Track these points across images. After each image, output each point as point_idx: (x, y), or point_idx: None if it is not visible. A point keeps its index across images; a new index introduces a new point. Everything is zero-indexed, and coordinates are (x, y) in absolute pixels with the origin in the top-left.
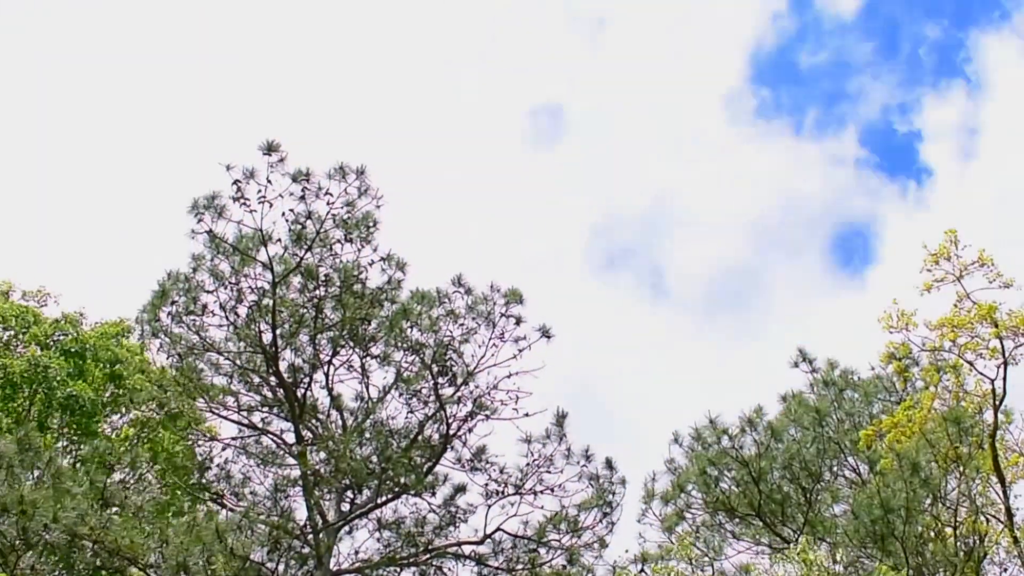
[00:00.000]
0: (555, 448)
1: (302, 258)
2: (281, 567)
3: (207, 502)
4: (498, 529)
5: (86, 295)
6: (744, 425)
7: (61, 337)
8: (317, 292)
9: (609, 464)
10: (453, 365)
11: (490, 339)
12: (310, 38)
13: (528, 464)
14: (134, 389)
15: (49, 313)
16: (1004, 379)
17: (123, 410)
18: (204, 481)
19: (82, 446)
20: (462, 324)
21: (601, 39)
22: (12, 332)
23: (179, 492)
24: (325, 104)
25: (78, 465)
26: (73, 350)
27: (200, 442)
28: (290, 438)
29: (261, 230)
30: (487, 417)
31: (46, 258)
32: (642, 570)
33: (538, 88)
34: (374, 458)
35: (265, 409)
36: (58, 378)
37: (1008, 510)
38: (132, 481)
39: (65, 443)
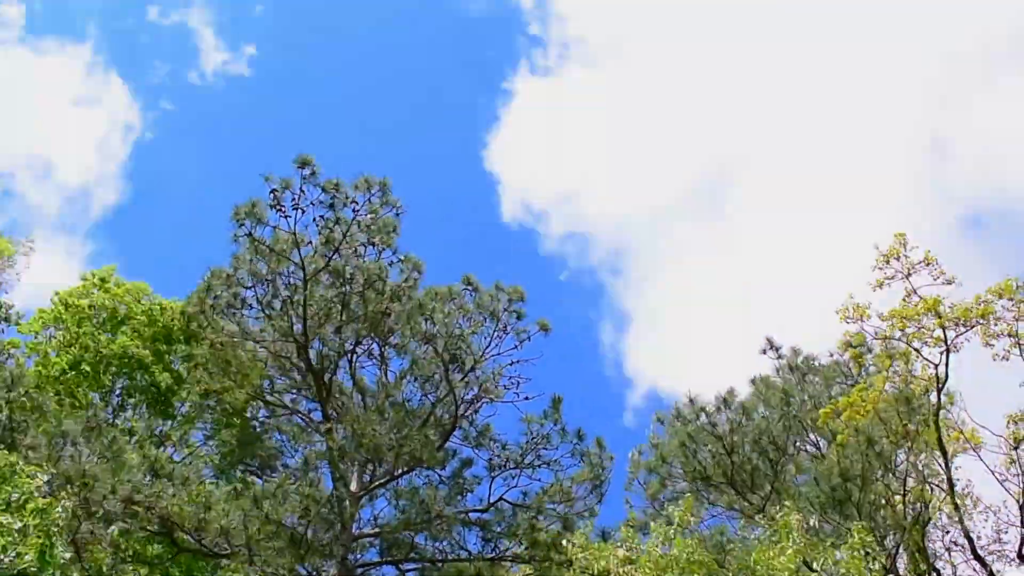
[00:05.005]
0: (551, 428)
1: (330, 259)
2: (310, 531)
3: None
4: (501, 499)
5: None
6: (719, 404)
7: (151, 323)
8: (343, 289)
9: (599, 443)
10: (462, 354)
11: (495, 332)
12: None
13: (527, 442)
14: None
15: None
16: (947, 365)
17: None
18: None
19: (157, 426)
20: (470, 318)
21: None
22: (103, 317)
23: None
24: None
25: (149, 442)
26: (160, 337)
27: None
28: (318, 417)
29: (295, 234)
30: (491, 400)
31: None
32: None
33: None
34: (392, 435)
35: (296, 392)
36: (144, 365)
37: (950, 480)
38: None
39: (144, 422)
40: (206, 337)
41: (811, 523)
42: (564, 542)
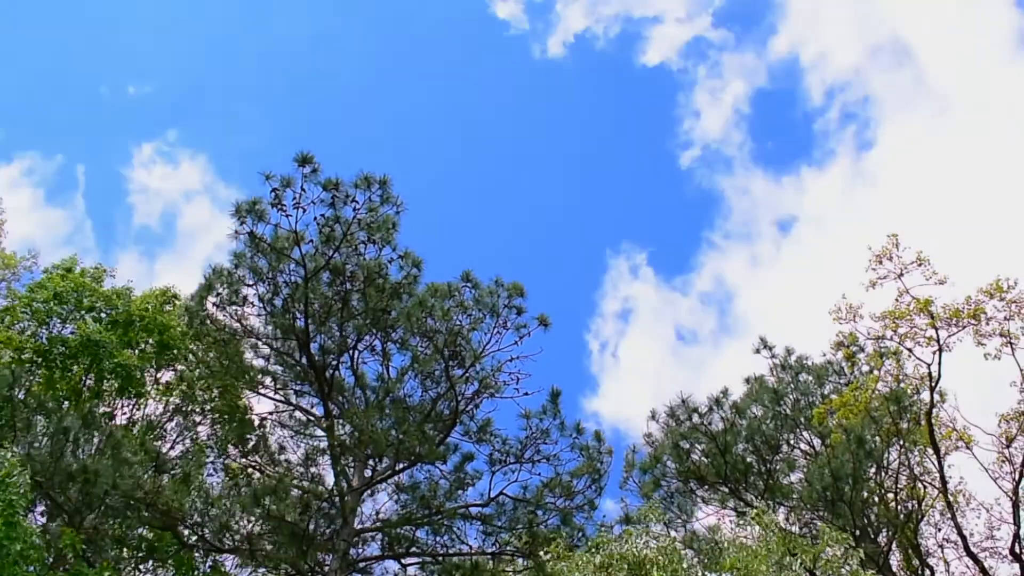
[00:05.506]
0: (550, 423)
1: (331, 257)
2: (311, 526)
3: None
4: (501, 493)
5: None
6: (712, 404)
7: (112, 310)
8: (344, 286)
9: (598, 436)
10: (462, 350)
11: (494, 327)
12: None
13: (527, 436)
14: (182, 353)
15: (107, 286)
16: (939, 364)
17: (170, 368)
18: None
19: (133, 408)
20: (470, 314)
21: None
22: (70, 307)
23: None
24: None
25: (132, 428)
26: (121, 321)
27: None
28: (319, 412)
29: (295, 232)
30: (491, 395)
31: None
32: (625, 529)
33: None
34: (393, 431)
35: (298, 387)
36: (109, 349)
37: (942, 478)
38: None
39: (117, 405)
40: (209, 334)
41: (791, 520)
42: (542, 552)
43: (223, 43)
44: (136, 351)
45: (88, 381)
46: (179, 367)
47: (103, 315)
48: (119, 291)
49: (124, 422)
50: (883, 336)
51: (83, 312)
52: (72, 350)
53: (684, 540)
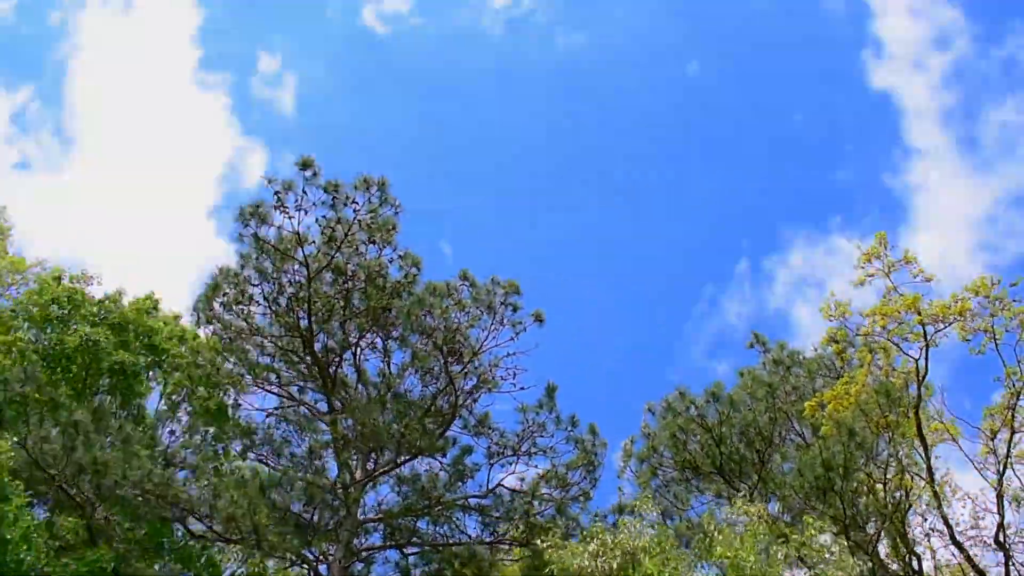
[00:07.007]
0: (546, 416)
1: (333, 257)
2: (316, 517)
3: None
4: (499, 485)
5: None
6: (708, 397)
7: (107, 315)
8: (346, 285)
9: (592, 430)
10: (460, 346)
11: (491, 324)
12: None
13: (524, 430)
14: (172, 356)
15: (92, 292)
16: (926, 359)
17: (161, 375)
18: (248, 444)
19: (128, 405)
20: (468, 312)
21: None
22: (65, 311)
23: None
24: None
25: (130, 424)
26: (117, 323)
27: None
28: (323, 408)
29: (298, 233)
30: (489, 390)
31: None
32: (619, 519)
33: None
34: (394, 425)
35: (302, 383)
36: (106, 349)
37: (929, 469)
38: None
39: (114, 401)
40: (214, 333)
41: (778, 510)
42: (538, 541)
43: None
44: (130, 352)
45: (87, 380)
46: (169, 368)
47: (98, 319)
48: (112, 296)
49: (124, 417)
50: (872, 332)
51: (77, 318)
52: (70, 351)
53: (678, 529)
